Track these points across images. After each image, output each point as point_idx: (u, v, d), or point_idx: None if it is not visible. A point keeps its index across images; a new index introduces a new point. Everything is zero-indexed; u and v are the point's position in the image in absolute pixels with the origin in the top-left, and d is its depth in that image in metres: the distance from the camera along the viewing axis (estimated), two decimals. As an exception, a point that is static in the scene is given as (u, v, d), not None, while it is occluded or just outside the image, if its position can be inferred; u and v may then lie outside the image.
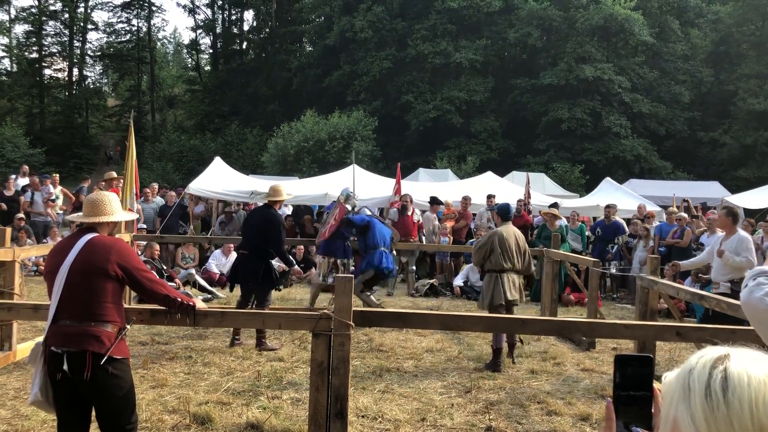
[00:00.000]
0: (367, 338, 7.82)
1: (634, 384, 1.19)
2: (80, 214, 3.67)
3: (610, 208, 13.06)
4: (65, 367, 3.18)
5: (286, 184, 17.15)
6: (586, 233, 13.01)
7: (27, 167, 15.13)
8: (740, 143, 31.01)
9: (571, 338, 8.14)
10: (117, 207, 3.62)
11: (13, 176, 14.64)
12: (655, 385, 1.19)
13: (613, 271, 12.18)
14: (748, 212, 17.01)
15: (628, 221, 13.44)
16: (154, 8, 47.20)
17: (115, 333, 3.32)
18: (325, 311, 3.88)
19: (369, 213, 9.85)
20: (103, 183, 11.28)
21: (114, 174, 11.39)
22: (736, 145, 31.19)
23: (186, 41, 59.70)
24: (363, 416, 5.18)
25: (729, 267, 7.01)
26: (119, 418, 3.36)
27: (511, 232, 7.18)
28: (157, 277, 3.70)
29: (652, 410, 1.18)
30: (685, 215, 12.84)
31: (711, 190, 21.78)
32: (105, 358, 3.22)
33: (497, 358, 6.80)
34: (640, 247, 11.85)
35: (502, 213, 7.34)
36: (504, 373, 6.60)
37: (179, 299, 3.60)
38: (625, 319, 9.85)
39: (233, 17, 49.58)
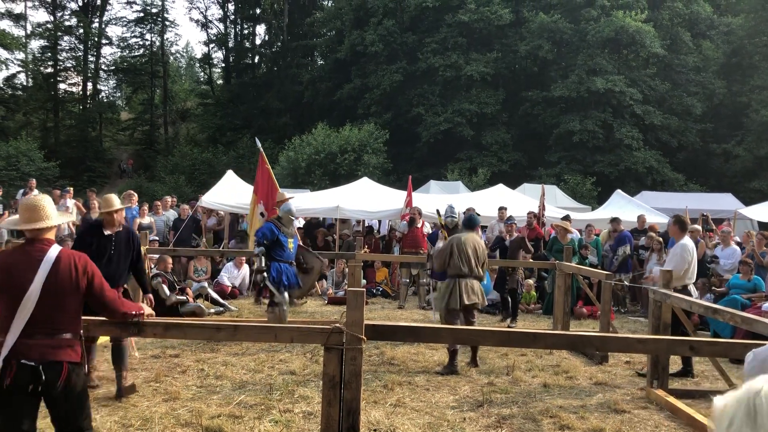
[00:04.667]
0: (379, 351, 7.82)
1: None
2: (16, 218, 3.75)
3: (615, 222, 13.02)
4: (43, 378, 3.36)
5: (298, 196, 17.28)
6: (602, 247, 12.97)
7: (34, 181, 15.12)
8: (753, 155, 30.77)
9: (583, 352, 8.10)
10: (52, 211, 3.70)
11: (21, 191, 14.69)
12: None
13: (626, 283, 12.13)
14: (762, 224, 16.87)
15: (635, 232, 13.35)
16: (167, 23, 47.67)
17: (80, 341, 3.58)
18: (337, 325, 3.89)
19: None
20: (275, 203, 10.91)
21: (285, 195, 11.11)
22: (749, 156, 30.95)
23: (199, 55, 60.23)
24: (375, 430, 5.18)
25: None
26: (84, 419, 3.59)
27: (470, 239, 7.65)
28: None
29: None
30: (699, 228, 12.76)
31: (724, 202, 21.60)
32: (78, 365, 3.51)
33: (453, 360, 7.11)
34: (653, 259, 11.78)
35: (465, 222, 7.94)
36: (516, 387, 6.58)
37: (133, 311, 3.88)
38: (638, 332, 9.79)
39: (245, 31, 50.07)
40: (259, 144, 12.69)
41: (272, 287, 8.35)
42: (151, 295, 6.37)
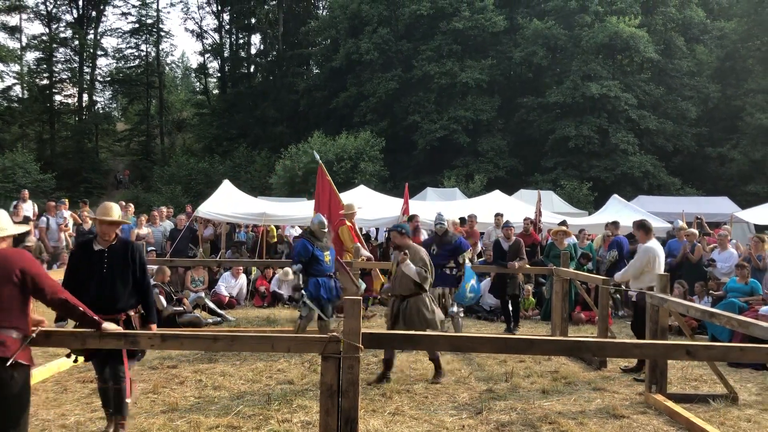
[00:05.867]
0: (377, 360, 7.80)
1: None
2: None
3: (614, 226, 13.02)
4: None
5: (295, 205, 17.27)
6: (595, 252, 12.95)
7: (27, 192, 15.12)
8: (749, 158, 30.87)
9: (582, 357, 8.10)
10: (5, 224, 3.81)
11: (15, 202, 14.64)
12: None
13: (623, 287, 12.11)
14: (759, 227, 16.90)
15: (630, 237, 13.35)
16: (162, 34, 47.81)
17: (20, 339, 3.56)
18: (334, 334, 3.89)
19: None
20: (341, 214, 10.75)
21: (354, 207, 11.08)
22: (744, 160, 31.05)
23: (194, 65, 60.46)
24: (373, 439, 5.16)
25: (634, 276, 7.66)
26: (15, 426, 3.52)
27: None
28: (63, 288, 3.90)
29: None
30: (695, 231, 12.79)
31: (720, 206, 21.67)
32: (10, 361, 3.45)
33: (439, 368, 7.03)
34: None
35: (408, 231, 7.33)
36: (515, 394, 6.57)
37: (81, 308, 3.84)
38: (635, 337, 9.77)
39: (241, 41, 50.13)
40: (317, 157, 12.58)
41: (310, 303, 8.32)
42: (155, 326, 5.09)
